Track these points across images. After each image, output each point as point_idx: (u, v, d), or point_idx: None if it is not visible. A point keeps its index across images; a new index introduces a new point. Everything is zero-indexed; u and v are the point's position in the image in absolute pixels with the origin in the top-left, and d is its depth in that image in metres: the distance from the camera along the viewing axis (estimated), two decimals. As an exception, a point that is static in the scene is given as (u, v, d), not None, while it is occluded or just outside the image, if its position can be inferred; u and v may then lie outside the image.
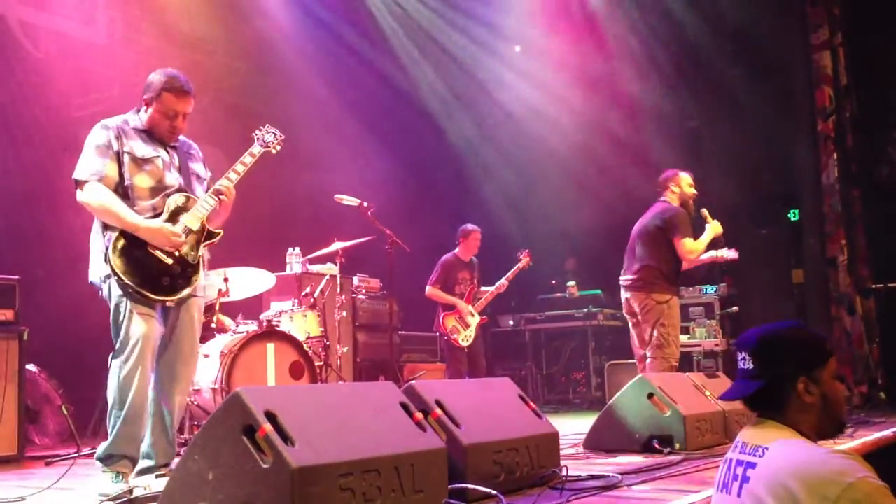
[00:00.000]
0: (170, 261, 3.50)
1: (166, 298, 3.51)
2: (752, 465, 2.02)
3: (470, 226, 7.53)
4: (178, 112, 3.64)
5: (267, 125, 4.02)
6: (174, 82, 3.64)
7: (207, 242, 3.69)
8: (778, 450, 1.99)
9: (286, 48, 9.44)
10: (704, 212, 5.79)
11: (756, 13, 9.06)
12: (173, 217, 3.57)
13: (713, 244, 5.78)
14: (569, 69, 10.07)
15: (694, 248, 5.59)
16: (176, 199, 3.60)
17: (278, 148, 3.99)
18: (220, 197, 3.67)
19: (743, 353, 2.17)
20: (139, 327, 3.41)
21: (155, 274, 3.47)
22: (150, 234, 3.47)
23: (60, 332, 6.28)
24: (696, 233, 5.70)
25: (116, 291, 3.45)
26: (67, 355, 6.34)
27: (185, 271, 3.56)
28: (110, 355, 3.47)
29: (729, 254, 5.91)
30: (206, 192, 3.73)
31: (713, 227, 5.71)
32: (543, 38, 10.38)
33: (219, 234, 3.73)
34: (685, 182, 5.80)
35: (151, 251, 3.47)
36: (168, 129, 3.66)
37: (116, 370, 3.41)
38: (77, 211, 3.65)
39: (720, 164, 9.68)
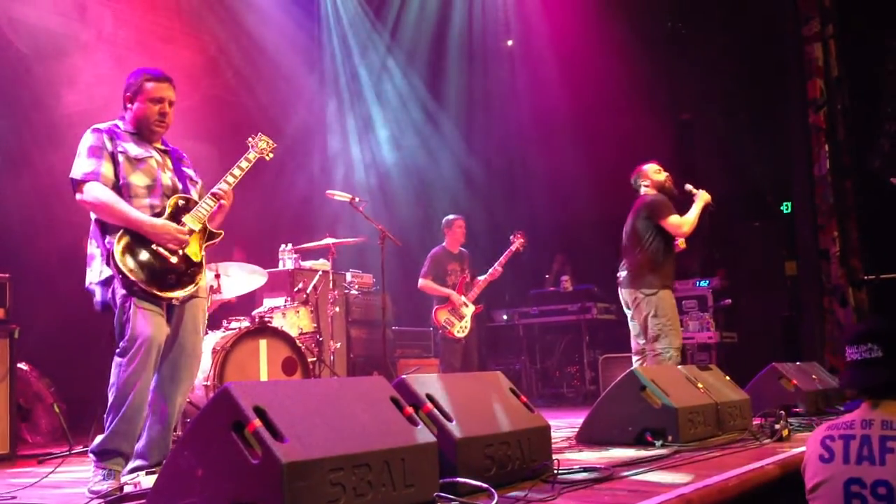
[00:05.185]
0: (175, 259, 3.51)
1: (173, 295, 3.50)
2: None
3: (452, 216, 7.51)
4: (163, 97, 3.66)
5: (259, 133, 4.07)
6: (151, 73, 3.69)
7: (209, 243, 3.72)
8: None
9: (277, 43, 9.41)
10: (689, 186, 5.96)
11: (747, 5, 9.07)
12: (174, 217, 3.58)
13: (705, 212, 5.91)
14: (560, 63, 10.06)
15: (682, 223, 5.75)
16: (176, 200, 3.62)
17: (271, 155, 4.05)
18: (220, 200, 3.70)
19: (870, 344, 2.50)
20: (145, 326, 3.40)
21: (161, 271, 3.47)
22: (156, 231, 3.47)
23: (52, 330, 6.25)
24: (684, 209, 5.83)
25: (121, 291, 3.43)
26: (59, 353, 6.32)
27: (189, 270, 3.57)
28: (115, 352, 3.45)
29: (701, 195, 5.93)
30: (200, 196, 3.75)
31: (701, 197, 5.88)
32: (534, 31, 10.38)
33: (220, 234, 3.77)
34: (651, 171, 5.99)
35: (156, 249, 3.47)
36: (157, 115, 3.66)
37: (119, 368, 3.40)
38: (68, 208, 3.65)
39: (712, 157, 9.70)
